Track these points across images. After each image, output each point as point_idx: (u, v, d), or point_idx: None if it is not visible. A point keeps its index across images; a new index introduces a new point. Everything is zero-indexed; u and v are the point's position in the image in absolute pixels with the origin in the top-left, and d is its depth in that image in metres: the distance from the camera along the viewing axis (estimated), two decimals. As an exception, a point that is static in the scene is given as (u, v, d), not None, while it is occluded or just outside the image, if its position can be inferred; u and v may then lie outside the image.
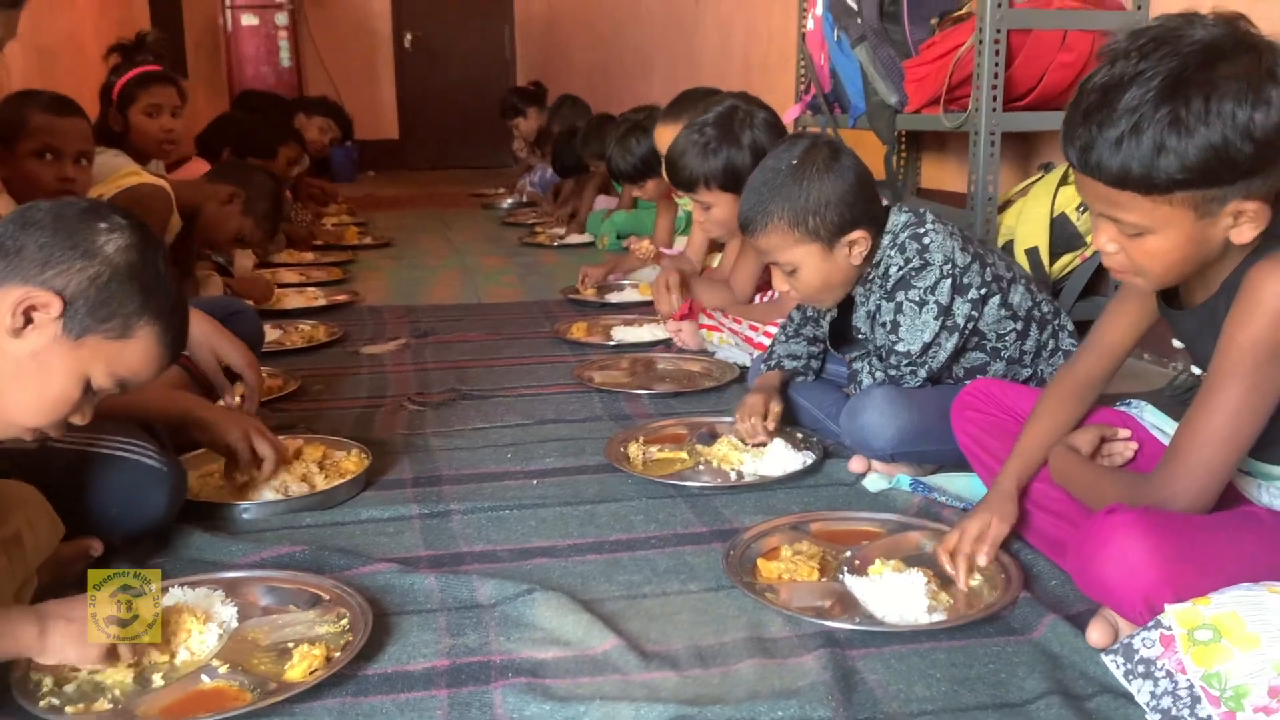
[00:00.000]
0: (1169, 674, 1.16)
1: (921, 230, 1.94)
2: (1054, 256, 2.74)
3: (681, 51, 6.47)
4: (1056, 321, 2.03)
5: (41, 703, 1.22)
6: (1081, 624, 1.35)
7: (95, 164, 2.67)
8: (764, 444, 2.03)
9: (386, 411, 2.43)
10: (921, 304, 1.90)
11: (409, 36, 10.22)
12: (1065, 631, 1.35)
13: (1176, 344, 1.51)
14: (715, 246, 3.42)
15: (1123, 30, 1.23)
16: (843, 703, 1.22)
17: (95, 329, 1.26)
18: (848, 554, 1.58)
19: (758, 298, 2.84)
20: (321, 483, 1.90)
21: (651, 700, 1.23)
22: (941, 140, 3.72)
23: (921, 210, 1.99)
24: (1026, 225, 2.77)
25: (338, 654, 1.32)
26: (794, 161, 1.92)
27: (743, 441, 2.04)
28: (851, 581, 1.50)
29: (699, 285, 2.86)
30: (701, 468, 1.99)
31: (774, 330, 2.40)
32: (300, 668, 1.28)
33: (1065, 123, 1.26)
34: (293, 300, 3.73)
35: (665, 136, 2.93)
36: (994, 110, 2.72)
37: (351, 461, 2.00)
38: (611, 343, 3.06)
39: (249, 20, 8.82)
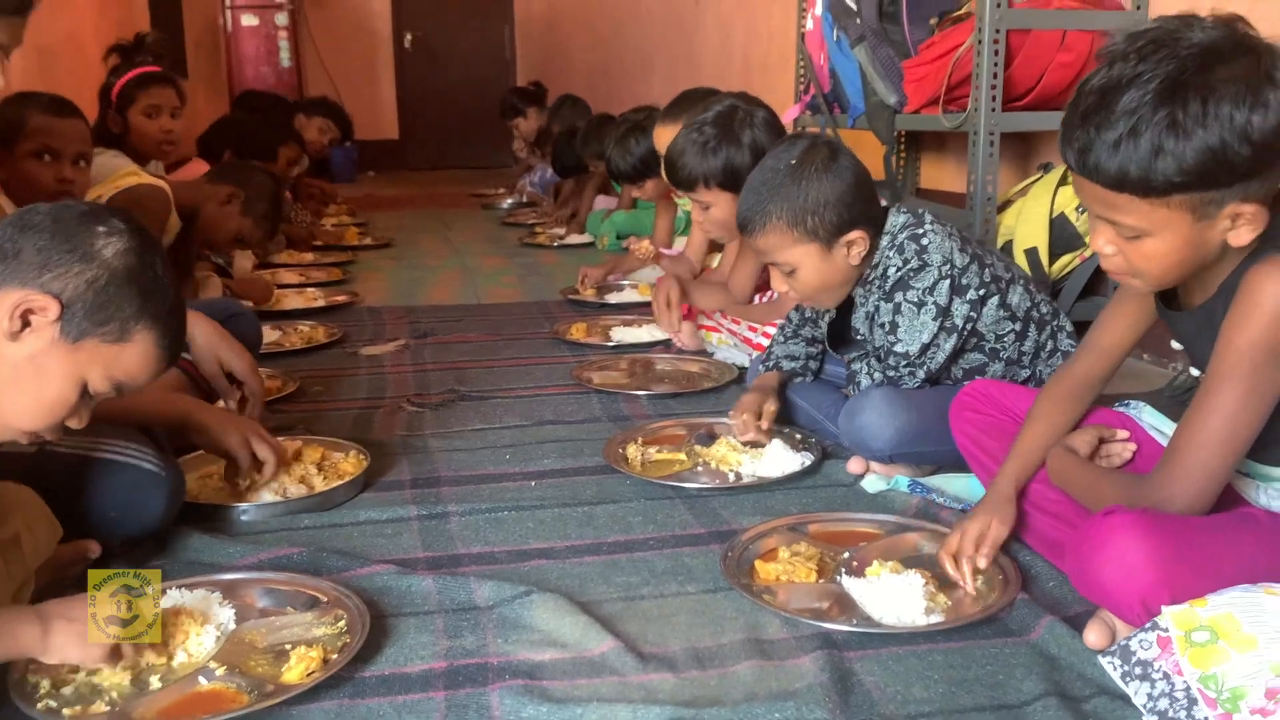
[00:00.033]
0: (1166, 675, 1.16)
1: (920, 231, 1.94)
2: (1053, 257, 2.74)
3: (681, 51, 6.48)
4: (1055, 322, 2.03)
5: (39, 705, 1.22)
6: (1079, 625, 1.35)
7: (94, 165, 2.68)
8: (760, 444, 2.03)
9: (385, 413, 2.43)
10: (920, 305, 1.90)
11: (409, 36, 10.23)
12: (1063, 633, 1.35)
13: (1175, 345, 1.51)
14: (715, 247, 3.43)
15: (1121, 32, 1.23)
16: (840, 704, 1.22)
17: (93, 332, 1.26)
18: (846, 555, 1.58)
19: (756, 298, 2.84)
20: (320, 484, 1.90)
21: (648, 702, 1.23)
22: (941, 140, 3.72)
23: (920, 211, 1.99)
24: (1026, 225, 2.76)
25: (335, 656, 1.32)
26: (793, 161, 1.92)
27: (734, 437, 2.04)
28: (849, 583, 1.50)
29: (696, 291, 2.84)
30: (700, 469, 1.99)
31: (773, 331, 2.39)
32: (297, 670, 1.28)
33: (1063, 124, 1.26)
34: (292, 301, 3.73)
35: (664, 136, 2.92)
36: (993, 110, 2.72)
37: (350, 463, 2.00)
38: (611, 343, 3.06)
39: (249, 20, 8.83)
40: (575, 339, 3.10)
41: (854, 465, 1.96)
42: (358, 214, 6.41)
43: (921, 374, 1.93)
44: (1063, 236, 2.72)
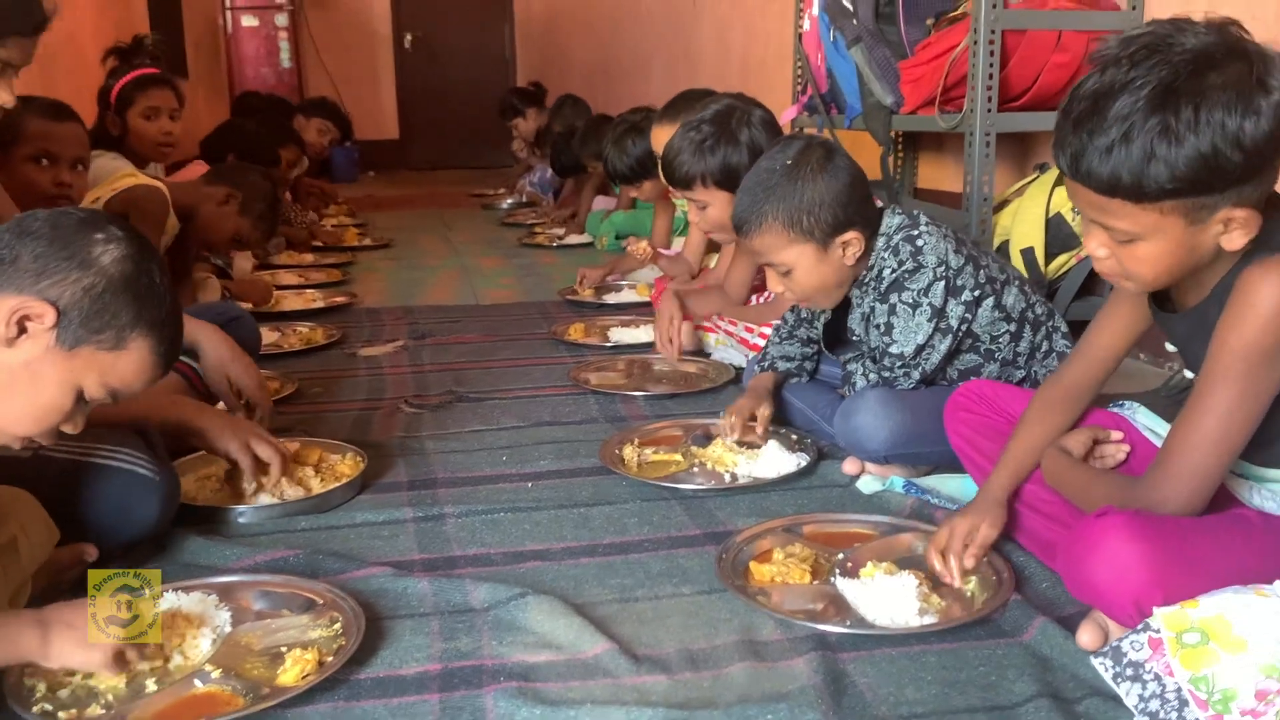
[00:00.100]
0: (1157, 677, 1.16)
1: (915, 232, 1.94)
2: (1049, 257, 2.75)
3: (680, 52, 6.48)
4: (1050, 323, 2.03)
5: (35, 708, 1.22)
6: (1072, 626, 1.36)
7: (92, 167, 2.69)
8: (756, 445, 2.03)
9: (383, 414, 2.43)
10: (915, 306, 1.91)
11: (409, 37, 10.24)
12: (1056, 634, 1.36)
13: (1169, 347, 1.52)
14: (713, 247, 3.43)
15: (1114, 36, 1.23)
16: (832, 706, 1.23)
17: (89, 340, 1.27)
18: (840, 556, 1.58)
19: (753, 299, 2.84)
20: (317, 486, 1.90)
21: (642, 704, 1.24)
22: (938, 141, 3.72)
23: (915, 212, 2.00)
24: (1022, 225, 2.77)
25: (330, 658, 1.32)
26: (788, 162, 1.92)
27: (738, 445, 2.05)
28: (843, 584, 1.50)
29: (693, 300, 2.83)
30: (696, 470, 2.00)
31: (769, 332, 2.40)
32: (293, 672, 1.29)
33: (1056, 129, 1.26)
34: (291, 302, 3.74)
35: (661, 137, 2.93)
36: (989, 111, 2.73)
37: (347, 465, 2.01)
38: (609, 344, 3.06)
39: (249, 21, 8.84)
40: (573, 339, 3.10)
41: (849, 466, 1.96)
42: (357, 214, 6.41)
43: (916, 375, 1.93)
44: (1059, 236, 2.72)
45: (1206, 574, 1.23)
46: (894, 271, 1.92)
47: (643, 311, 3.44)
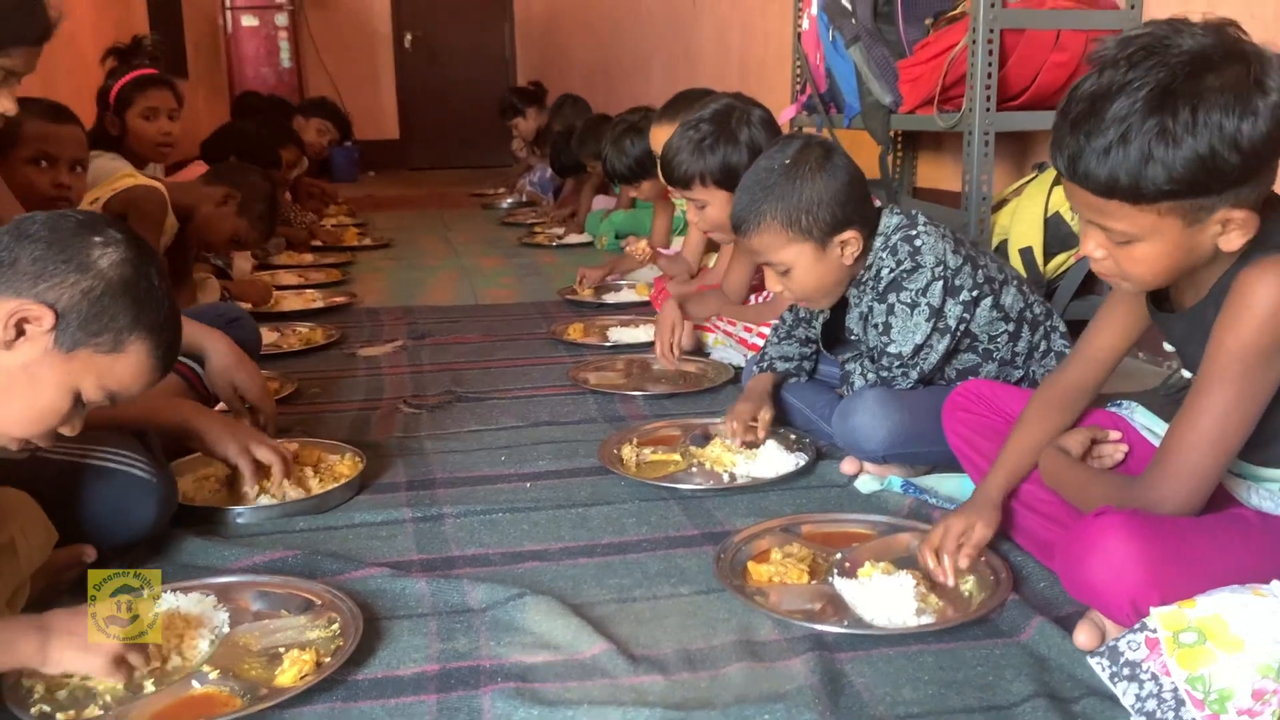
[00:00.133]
0: (1154, 676, 1.17)
1: (913, 232, 1.94)
2: (1048, 256, 2.75)
3: (679, 51, 6.48)
4: (1048, 323, 2.03)
5: (33, 709, 1.23)
6: (1070, 626, 1.36)
7: (91, 168, 2.69)
8: (755, 445, 2.03)
9: (382, 414, 2.44)
10: (913, 306, 1.91)
11: (409, 37, 10.24)
12: (1053, 634, 1.36)
13: (1167, 347, 1.52)
14: (712, 246, 3.43)
15: (1111, 37, 1.23)
16: (829, 706, 1.23)
17: (86, 342, 1.27)
18: (838, 556, 1.58)
19: (752, 298, 2.84)
20: (316, 487, 1.90)
21: (639, 705, 1.24)
22: (937, 140, 3.72)
23: (914, 212, 2.00)
24: (1021, 225, 2.77)
25: (328, 659, 1.32)
26: (787, 161, 1.92)
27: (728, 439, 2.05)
28: (841, 584, 1.50)
29: (692, 304, 2.82)
30: (694, 470, 2.00)
31: (768, 331, 2.40)
32: (290, 673, 1.29)
33: (1054, 130, 1.26)
34: (291, 302, 3.74)
35: (660, 136, 2.92)
36: (987, 110, 2.72)
37: (346, 465, 2.01)
38: (608, 344, 3.06)
39: (249, 21, 8.84)
40: (572, 339, 3.10)
41: (847, 466, 1.96)
42: (357, 214, 6.42)
43: (914, 375, 1.93)
44: (1057, 235, 2.72)
45: (1204, 573, 1.23)
46: (892, 271, 1.92)
47: (642, 311, 3.45)
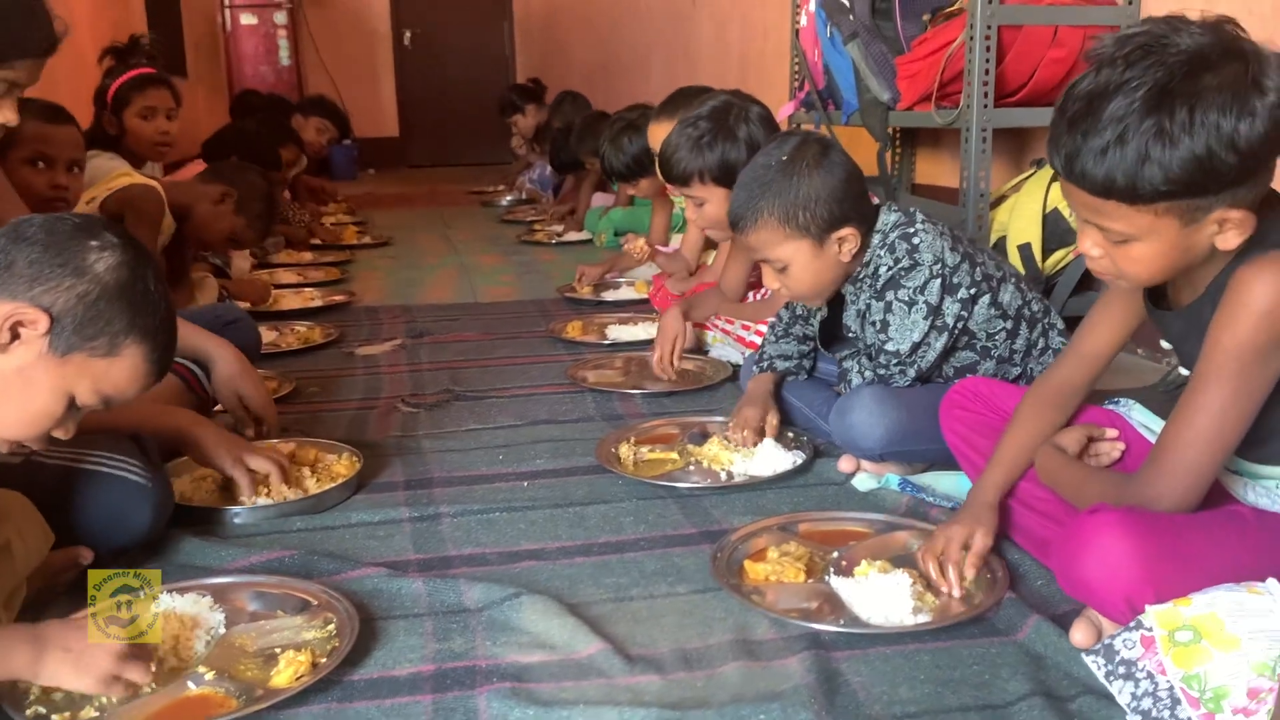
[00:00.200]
0: (1150, 675, 1.17)
1: (911, 230, 1.94)
2: (1046, 252, 2.74)
3: (679, 48, 6.47)
4: (1046, 320, 2.03)
5: (28, 711, 1.23)
6: (1066, 624, 1.35)
7: (88, 168, 2.69)
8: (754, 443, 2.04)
9: (380, 413, 2.44)
10: (911, 304, 1.90)
11: (408, 34, 10.23)
12: (1049, 632, 1.36)
13: (1165, 344, 1.51)
14: (711, 244, 3.43)
15: (1109, 35, 1.23)
16: (825, 705, 1.23)
17: (81, 347, 1.27)
18: (835, 555, 1.58)
19: (750, 295, 2.84)
20: (313, 487, 1.90)
21: (635, 704, 1.24)
22: (936, 136, 3.72)
23: (911, 210, 1.99)
24: (1019, 221, 2.76)
25: (324, 660, 1.32)
26: (784, 158, 1.92)
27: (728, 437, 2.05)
28: (838, 583, 1.50)
29: (692, 306, 2.80)
30: (692, 468, 2.00)
31: (765, 329, 2.39)
32: (286, 674, 1.29)
33: (1051, 129, 1.26)
34: (289, 301, 3.74)
35: (658, 134, 2.92)
36: (985, 107, 2.72)
37: (343, 465, 2.01)
38: (606, 341, 3.06)
39: (248, 19, 8.84)
40: (571, 337, 3.10)
41: (845, 464, 1.96)
42: (357, 212, 6.41)
43: (912, 372, 1.93)
44: (1056, 232, 2.71)
45: (1200, 571, 1.23)
46: (890, 269, 1.92)
47: (641, 309, 3.45)
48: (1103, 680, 1.21)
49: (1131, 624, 1.21)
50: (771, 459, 1.98)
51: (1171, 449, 1.30)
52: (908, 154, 3.89)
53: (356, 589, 1.53)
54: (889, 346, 1.92)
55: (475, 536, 1.74)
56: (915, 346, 1.91)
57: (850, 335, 2.07)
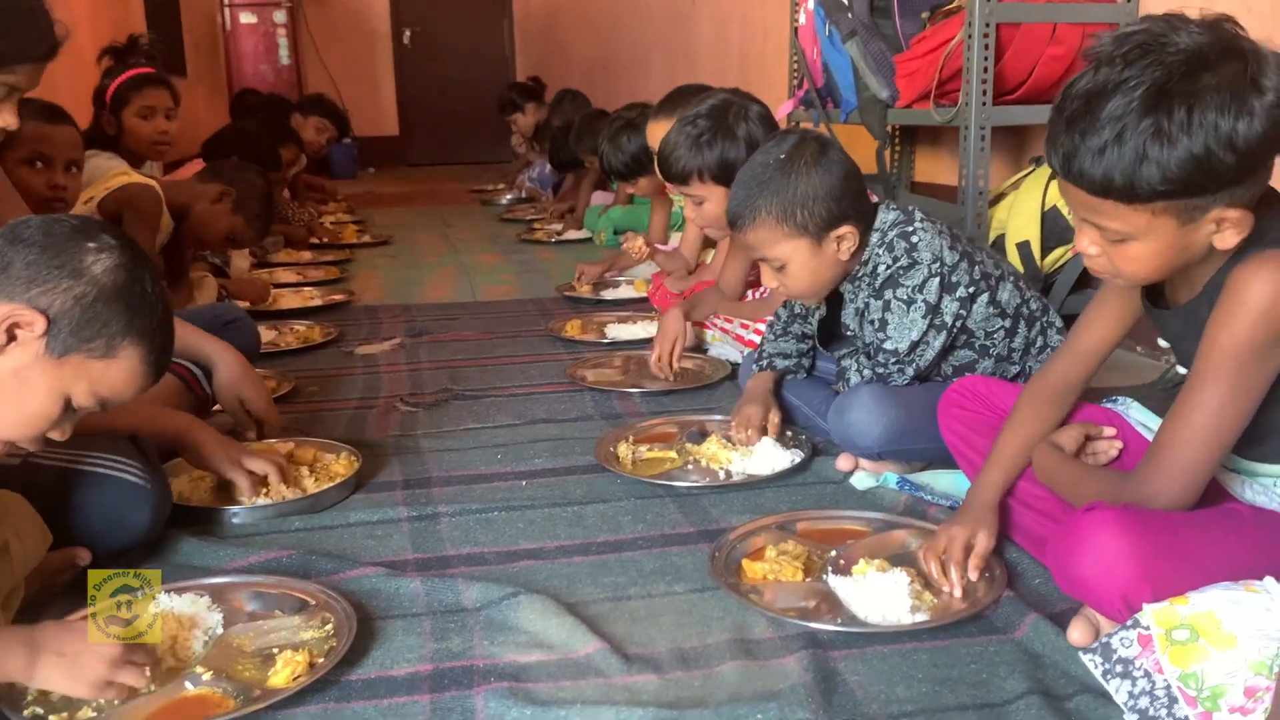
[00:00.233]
0: (1147, 674, 1.16)
1: (910, 229, 1.93)
2: (1045, 250, 2.74)
3: (678, 47, 6.47)
4: (1045, 318, 2.03)
5: (25, 712, 1.23)
6: (1064, 622, 1.35)
7: (86, 167, 2.69)
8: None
9: (379, 413, 2.44)
10: (909, 302, 1.90)
11: (407, 33, 10.23)
12: (1047, 630, 1.36)
13: (1162, 343, 1.51)
14: (710, 242, 3.42)
15: (1107, 33, 1.23)
16: (822, 705, 1.23)
17: (78, 348, 1.27)
18: (833, 554, 1.58)
19: (749, 294, 2.84)
20: (311, 486, 1.90)
21: (632, 704, 1.24)
22: (935, 134, 3.71)
23: (910, 208, 1.99)
24: (1018, 219, 2.76)
25: (321, 660, 1.32)
26: (781, 156, 1.92)
27: (732, 443, 2.04)
28: (835, 581, 1.50)
29: (693, 306, 2.80)
30: (690, 467, 1.99)
31: (763, 328, 2.39)
32: (284, 674, 1.29)
33: (1049, 127, 1.26)
34: (289, 300, 3.74)
35: (657, 132, 2.92)
36: (984, 104, 2.72)
37: (341, 464, 2.01)
38: (605, 340, 3.06)
39: (247, 19, 8.85)
40: (570, 336, 3.10)
41: (843, 462, 1.96)
42: (356, 211, 6.42)
43: (910, 371, 1.93)
44: (1055, 230, 2.71)
45: (1196, 568, 1.22)
46: (889, 268, 1.92)
47: (640, 307, 3.45)
48: (1100, 679, 1.21)
49: (1129, 622, 1.21)
50: (770, 458, 1.98)
51: (1169, 447, 1.30)
52: (907, 152, 3.89)
53: (354, 589, 1.53)
54: (887, 345, 1.92)
55: (473, 536, 1.74)
56: (914, 345, 1.91)
57: (849, 334, 2.06)
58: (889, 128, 3.42)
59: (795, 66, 3.89)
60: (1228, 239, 1.23)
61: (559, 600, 1.48)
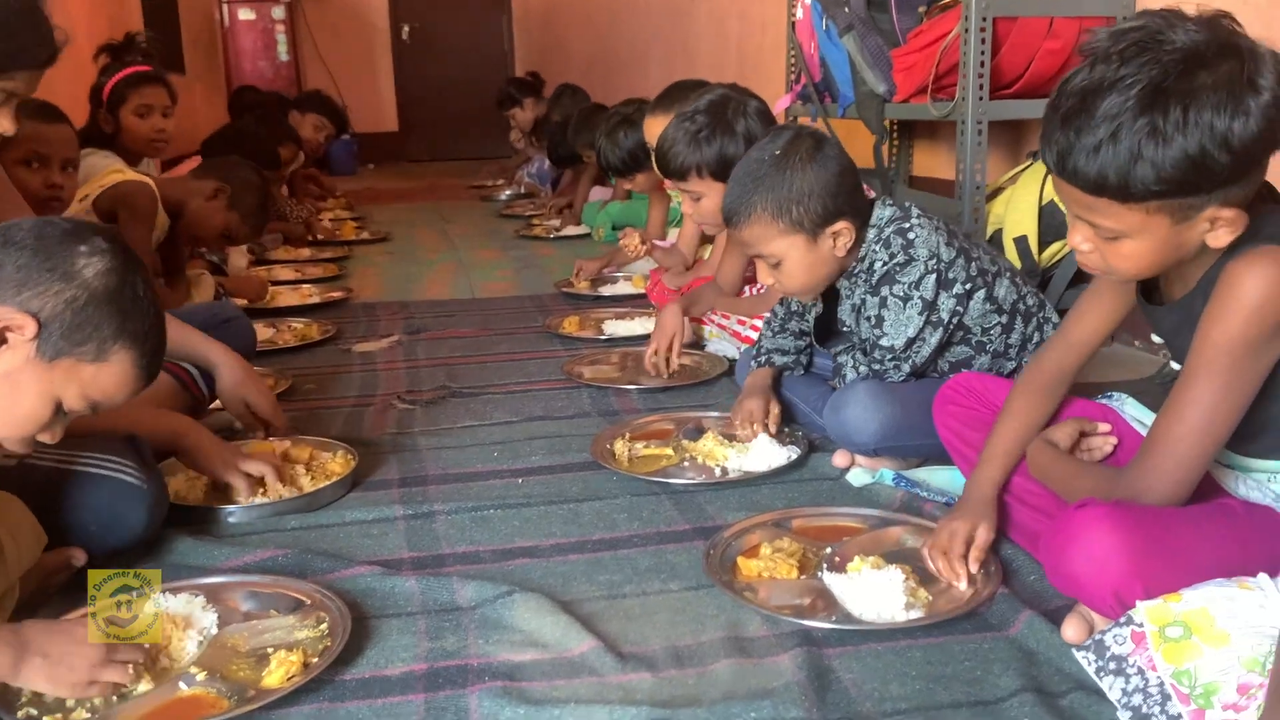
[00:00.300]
0: (1140, 671, 1.16)
1: (907, 225, 1.93)
2: (1043, 244, 2.73)
3: (677, 42, 6.46)
4: (1041, 314, 2.03)
5: (20, 713, 1.23)
6: (1059, 619, 1.35)
7: (82, 165, 2.69)
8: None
9: (376, 410, 2.44)
10: (906, 299, 1.90)
11: (406, 28, 10.23)
12: (1042, 628, 1.36)
13: (1156, 340, 1.51)
14: (707, 238, 3.42)
15: (1103, 29, 1.22)
16: (816, 703, 1.22)
17: (69, 352, 1.27)
18: (828, 551, 1.58)
19: (746, 290, 2.83)
20: (307, 485, 1.90)
21: (626, 703, 1.24)
22: (933, 129, 3.71)
23: (907, 204, 1.99)
24: (1015, 213, 2.75)
25: (315, 659, 1.32)
26: (777, 152, 1.91)
27: (728, 440, 2.04)
28: (830, 579, 1.50)
29: (691, 302, 2.80)
30: (686, 464, 1.99)
31: (760, 324, 2.39)
32: (278, 674, 1.29)
33: (1044, 124, 1.25)
34: (287, 298, 3.74)
35: (654, 128, 2.91)
36: (981, 99, 2.71)
37: (338, 463, 2.01)
38: (603, 337, 3.06)
39: (246, 15, 8.85)
40: (567, 333, 3.10)
41: (839, 459, 1.96)
42: (355, 208, 6.41)
43: (906, 368, 1.92)
44: (1052, 224, 2.70)
45: (1189, 564, 1.22)
46: (885, 264, 1.92)
47: (638, 304, 3.45)
48: (1093, 676, 1.21)
49: (1122, 619, 1.20)
50: (766, 454, 1.98)
51: (1162, 443, 1.30)
52: (905, 146, 3.88)
53: (350, 588, 1.53)
54: (884, 342, 1.92)
55: (469, 534, 1.74)
56: (910, 342, 1.91)
57: (845, 330, 2.06)
58: (886, 122, 3.41)
59: (792, 61, 3.88)
60: (1221, 238, 1.23)
61: (554, 598, 1.48)
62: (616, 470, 1.97)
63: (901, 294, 1.90)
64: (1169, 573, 1.21)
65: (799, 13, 3.64)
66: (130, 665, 1.26)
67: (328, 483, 1.90)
